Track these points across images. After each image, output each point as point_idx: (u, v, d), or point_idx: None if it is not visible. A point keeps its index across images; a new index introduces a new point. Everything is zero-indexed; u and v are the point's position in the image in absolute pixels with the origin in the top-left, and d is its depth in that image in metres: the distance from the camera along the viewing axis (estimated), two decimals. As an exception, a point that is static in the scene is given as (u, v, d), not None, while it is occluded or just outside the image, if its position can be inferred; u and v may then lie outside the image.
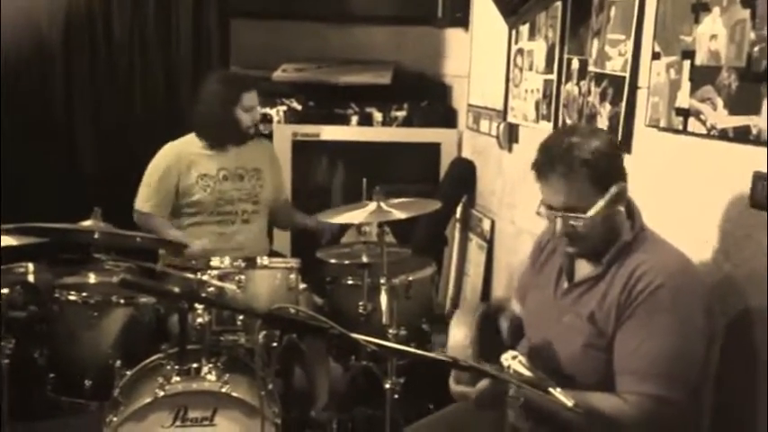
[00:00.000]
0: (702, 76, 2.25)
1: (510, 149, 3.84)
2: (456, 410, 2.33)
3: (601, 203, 1.98)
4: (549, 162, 2.01)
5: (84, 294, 3.03)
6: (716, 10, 2.20)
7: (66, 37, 4.04)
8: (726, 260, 2.18)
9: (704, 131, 2.24)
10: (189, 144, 3.52)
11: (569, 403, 1.70)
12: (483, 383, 1.95)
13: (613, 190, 1.98)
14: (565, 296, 2.15)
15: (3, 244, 2.99)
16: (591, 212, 1.98)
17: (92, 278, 3.17)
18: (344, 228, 3.74)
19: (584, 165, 1.96)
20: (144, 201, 3.49)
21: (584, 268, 2.13)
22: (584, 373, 2.04)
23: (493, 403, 1.95)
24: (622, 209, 2.05)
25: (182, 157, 3.48)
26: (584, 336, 2.04)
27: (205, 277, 2.89)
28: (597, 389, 1.98)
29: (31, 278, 3.18)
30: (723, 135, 2.17)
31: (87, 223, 3.00)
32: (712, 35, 2.20)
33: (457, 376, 2.05)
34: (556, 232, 2.05)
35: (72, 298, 3.03)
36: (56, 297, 3.03)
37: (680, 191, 2.39)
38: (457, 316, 2.17)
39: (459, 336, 2.09)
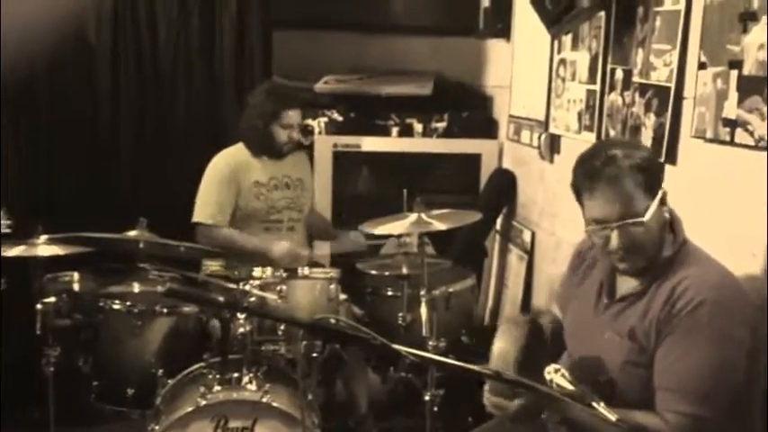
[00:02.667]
0: (750, 87, 2.21)
1: (551, 160, 3.81)
2: (496, 425, 2.31)
3: (655, 204, 1.95)
4: (596, 174, 1.96)
5: (128, 303, 3.06)
6: (764, 19, 2.16)
7: (113, 43, 4.09)
8: (775, 274, 2.14)
9: (752, 142, 2.21)
10: (241, 152, 3.55)
11: (613, 418, 1.68)
12: (522, 399, 1.93)
13: (660, 193, 1.97)
14: (605, 312, 2.12)
15: (49, 253, 3.06)
16: (648, 215, 1.94)
17: (136, 287, 3.20)
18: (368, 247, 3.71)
19: (637, 169, 1.94)
20: (206, 213, 3.43)
21: (626, 284, 2.09)
22: (626, 390, 2.01)
23: (529, 419, 1.96)
24: (667, 215, 2.02)
25: (238, 165, 3.49)
26: (623, 353, 2.02)
27: (247, 287, 2.92)
28: (640, 406, 1.95)
29: (76, 287, 3.21)
30: (772, 146, 2.13)
31: (133, 233, 3.06)
32: (760, 45, 2.17)
33: (493, 387, 2.03)
34: (611, 247, 1.98)
35: (116, 307, 3.06)
36: (100, 306, 3.07)
37: (727, 203, 2.35)
38: (502, 328, 2.14)
39: (502, 348, 2.06)
